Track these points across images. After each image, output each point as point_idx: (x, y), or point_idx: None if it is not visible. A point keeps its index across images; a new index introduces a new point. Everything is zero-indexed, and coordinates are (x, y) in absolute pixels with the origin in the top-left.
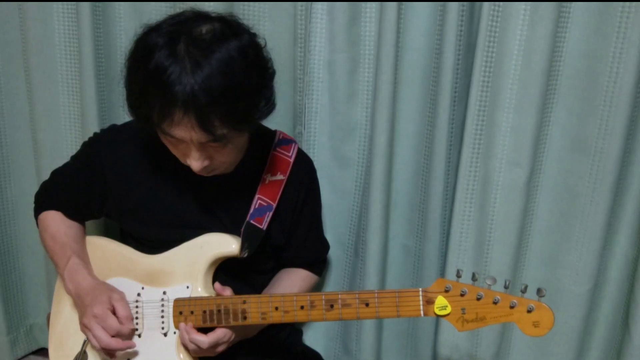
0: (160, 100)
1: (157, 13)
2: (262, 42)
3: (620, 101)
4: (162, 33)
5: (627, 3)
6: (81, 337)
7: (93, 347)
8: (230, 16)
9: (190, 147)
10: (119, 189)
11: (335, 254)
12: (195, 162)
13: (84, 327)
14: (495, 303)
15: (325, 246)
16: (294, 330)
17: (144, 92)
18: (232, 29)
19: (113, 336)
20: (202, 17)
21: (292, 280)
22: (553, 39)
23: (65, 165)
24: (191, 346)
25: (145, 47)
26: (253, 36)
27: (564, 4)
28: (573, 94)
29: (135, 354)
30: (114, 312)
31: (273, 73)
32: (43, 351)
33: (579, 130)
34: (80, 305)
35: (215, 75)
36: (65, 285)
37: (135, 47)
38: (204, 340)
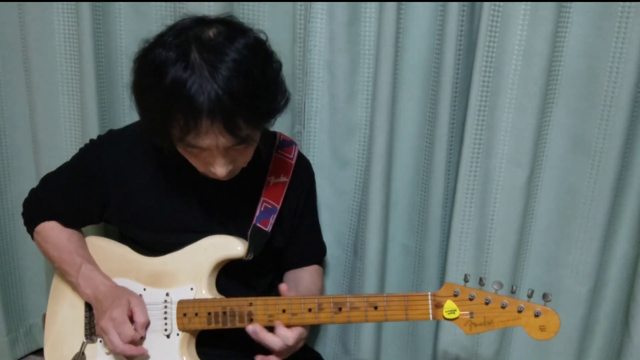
0: (184, 114)
1: (157, 13)
2: (263, 37)
3: (620, 101)
4: (169, 46)
5: (627, 3)
6: (79, 338)
7: (108, 348)
8: (228, 17)
9: (214, 155)
10: (121, 195)
11: (334, 254)
12: (221, 169)
13: (101, 330)
14: (503, 307)
15: (325, 248)
16: None
17: (164, 110)
18: (235, 29)
19: (126, 343)
20: (203, 21)
21: (312, 276)
22: (553, 39)
23: (59, 172)
24: (276, 343)
25: (156, 64)
26: (255, 32)
27: (564, 4)
28: (573, 94)
29: (138, 355)
30: (131, 318)
31: (281, 65)
32: (43, 351)
33: (579, 130)
34: (99, 308)
35: (235, 76)
36: (81, 291)
37: (142, 67)
38: (289, 335)
